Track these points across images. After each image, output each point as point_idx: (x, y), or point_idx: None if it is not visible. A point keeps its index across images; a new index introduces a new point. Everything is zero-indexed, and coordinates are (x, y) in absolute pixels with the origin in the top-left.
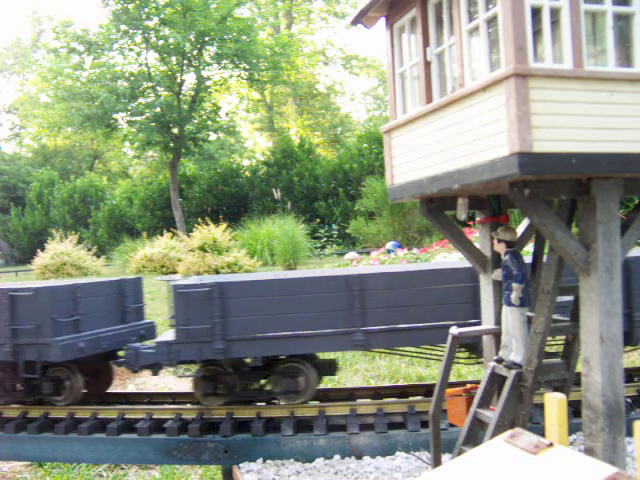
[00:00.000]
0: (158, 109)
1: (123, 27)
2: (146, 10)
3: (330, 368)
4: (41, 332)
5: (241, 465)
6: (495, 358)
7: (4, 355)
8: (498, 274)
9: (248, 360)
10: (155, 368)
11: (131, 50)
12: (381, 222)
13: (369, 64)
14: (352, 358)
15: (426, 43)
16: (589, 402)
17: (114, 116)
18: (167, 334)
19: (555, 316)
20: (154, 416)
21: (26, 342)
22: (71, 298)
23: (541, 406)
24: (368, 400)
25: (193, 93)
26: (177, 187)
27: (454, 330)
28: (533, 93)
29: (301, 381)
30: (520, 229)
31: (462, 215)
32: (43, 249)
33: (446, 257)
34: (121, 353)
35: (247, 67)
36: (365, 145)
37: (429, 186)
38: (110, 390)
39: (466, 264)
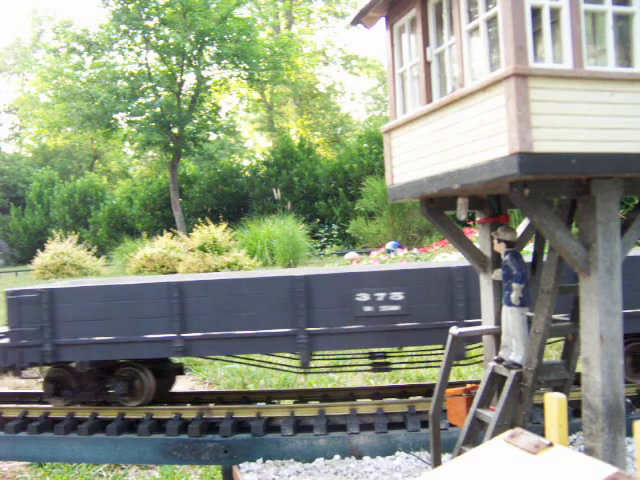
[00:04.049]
0: (158, 109)
1: (123, 27)
2: (146, 10)
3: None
4: None
5: (241, 465)
6: (495, 358)
7: None
8: (498, 274)
9: None
10: None
11: (131, 50)
12: (381, 222)
13: (369, 64)
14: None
15: (426, 43)
16: (589, 402)
17: (114, 116)
18: None
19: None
20: (154, 416)
21: None
22: None
23: (541, 406)
24: (368, 400)
25: (193, 93)
26: (177, 187)
27: (454, 330)
28: (533, 93)
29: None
30: (520, 229)
31: (462, 215)
32: (43, 249)
33: (446, 257)
34: None
35: (247, 67)
36: (365, 145)
37: (429, 186)
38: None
39: None
